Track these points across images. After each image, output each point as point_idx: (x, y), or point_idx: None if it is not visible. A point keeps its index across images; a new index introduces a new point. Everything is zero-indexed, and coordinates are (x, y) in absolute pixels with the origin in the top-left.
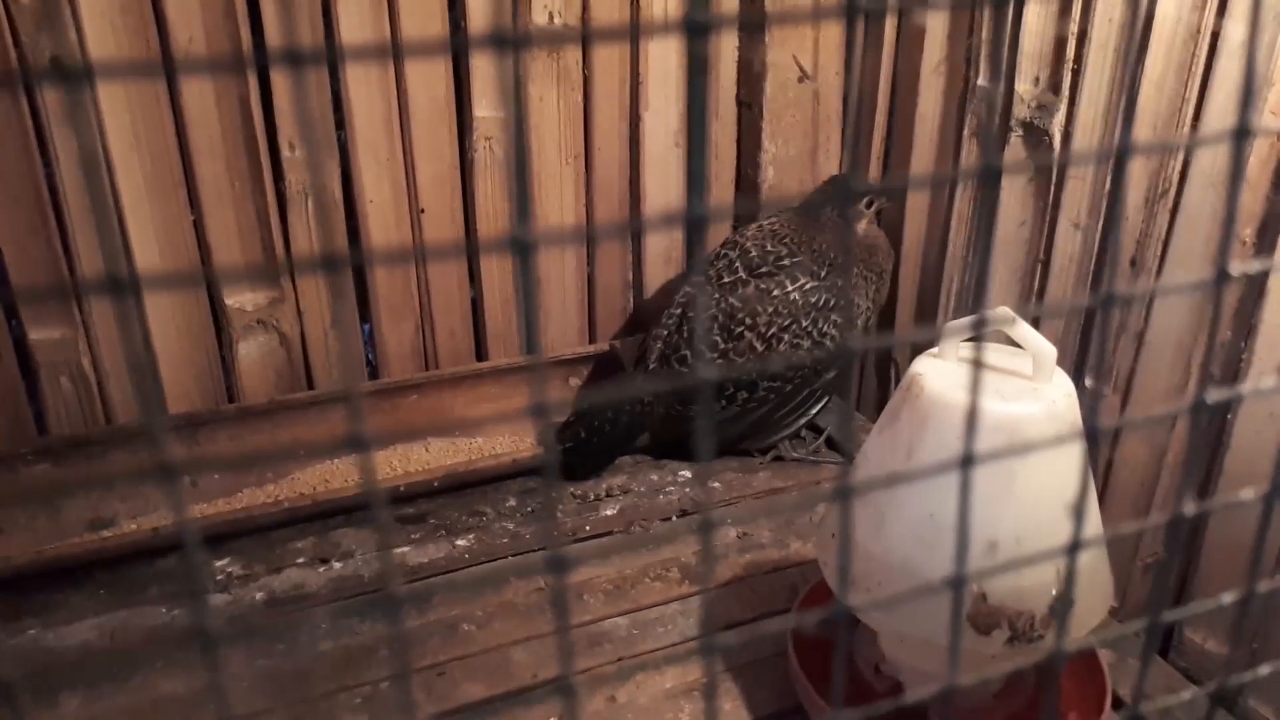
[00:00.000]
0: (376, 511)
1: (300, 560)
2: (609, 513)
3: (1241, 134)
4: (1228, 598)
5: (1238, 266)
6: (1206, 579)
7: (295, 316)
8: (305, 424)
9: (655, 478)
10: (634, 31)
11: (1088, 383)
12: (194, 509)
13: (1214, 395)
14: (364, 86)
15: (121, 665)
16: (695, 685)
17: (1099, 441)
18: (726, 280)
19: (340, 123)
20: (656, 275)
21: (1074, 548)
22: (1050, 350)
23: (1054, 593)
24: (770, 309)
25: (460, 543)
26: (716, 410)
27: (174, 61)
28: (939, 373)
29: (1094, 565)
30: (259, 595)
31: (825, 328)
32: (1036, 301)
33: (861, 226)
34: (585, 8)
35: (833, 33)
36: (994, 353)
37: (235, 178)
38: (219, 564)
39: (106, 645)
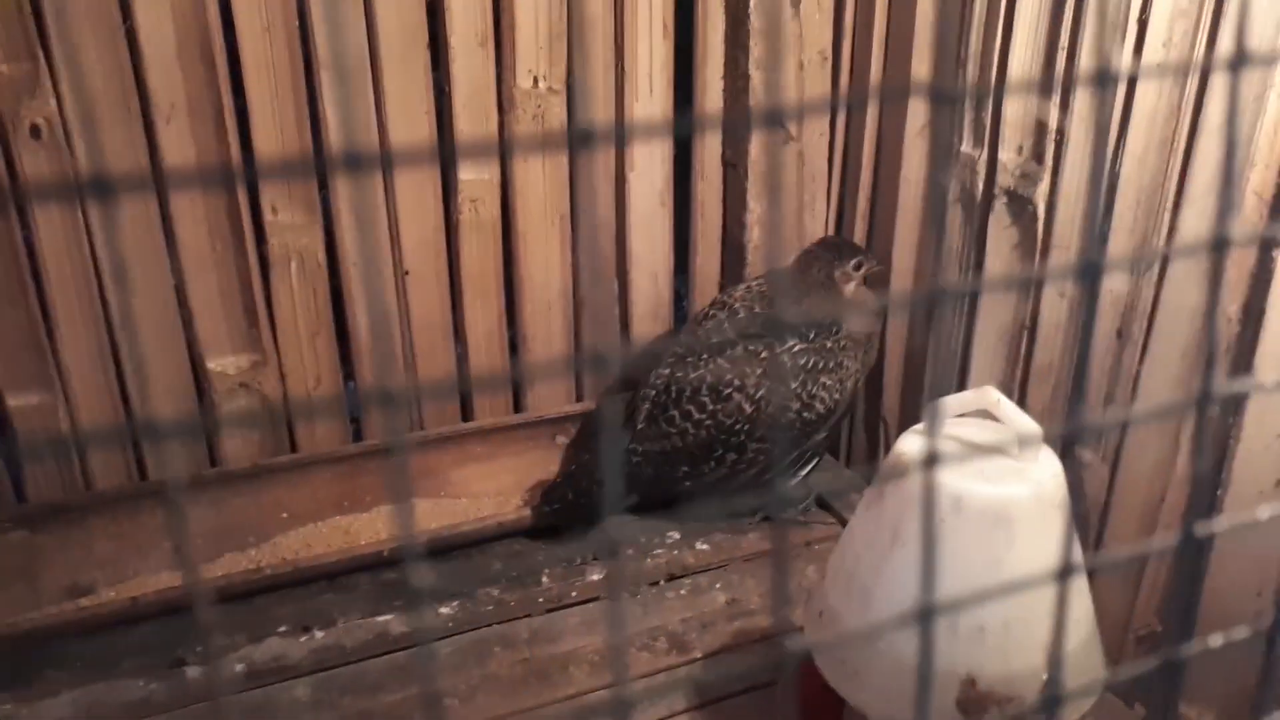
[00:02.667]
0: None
1: (282, 629)
2: (595, 577)
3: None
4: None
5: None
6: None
7: (278, 379)
8: (288, 486)
9: (643, 540)
10: (619, 93)
11: (1078, 453)
12: (177, 575)
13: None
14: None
15: None
16: None
17: (1087, 517)
18: (715, 340)
19: (323, 183)
20: (644, 332)
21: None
22: (1035, 430)
23: (1044, 677)
24: (759, 370)
25: (444, 610)
26: (705, 472)
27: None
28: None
29: (1085, 648)
30: (239, 667)
31: (814, 389)
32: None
33: (849, 289)
34: (569, 71)
35: (816, 93)
36: (980, 429)
37: (217, 240)
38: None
39: None
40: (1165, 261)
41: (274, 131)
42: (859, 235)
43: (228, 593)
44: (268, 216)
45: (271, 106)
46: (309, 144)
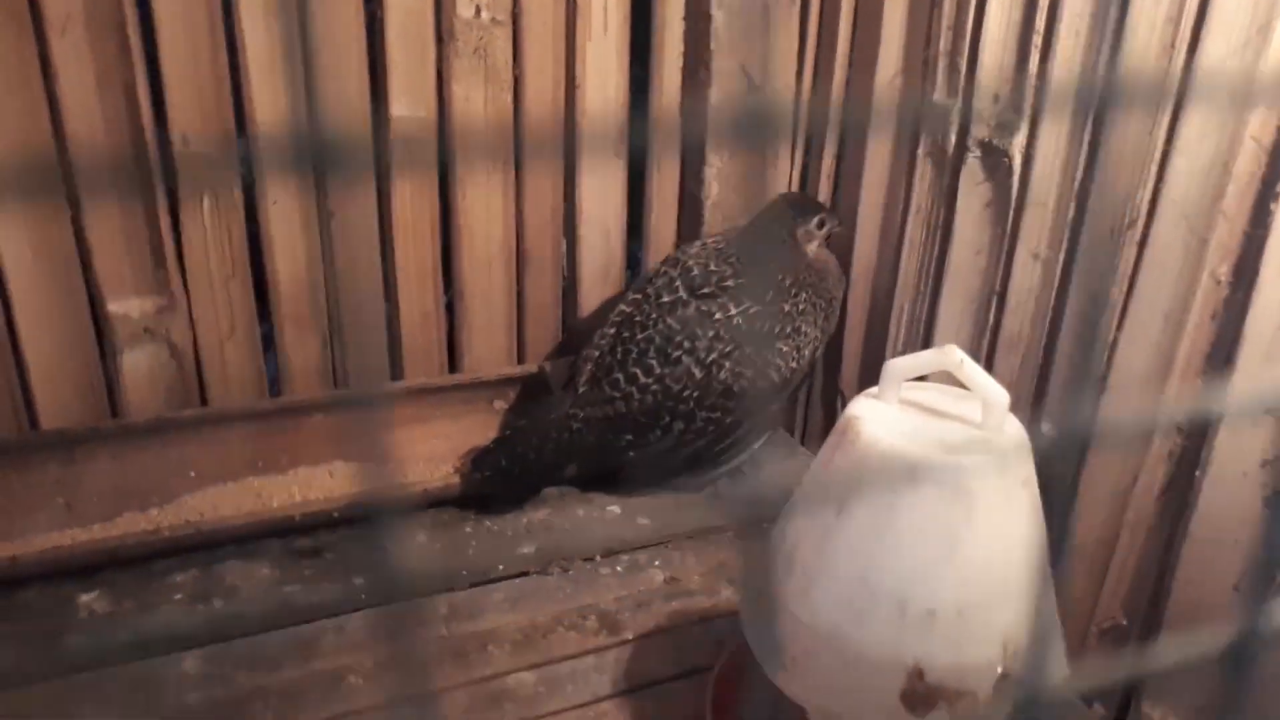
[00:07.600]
0: None
1: (178, 596)
2: (526, 550)
3: None
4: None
5: None
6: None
7: (188, 325)
8: (197, 443)
9: (581, 513)
10: (570, 30)
11: (1044, 429)
12: (68, 534)
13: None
14: (268, 78)
15: None
16: None
17: (1060, 497)
18: (665, 300)
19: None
20: (593, 292)
21: None
22: (1002, 395)
23: (1000, 671)
24: (711, 333)
25: (358, 581)
26: (650, 441)
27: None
28: (877, 416)
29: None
30: (125, 636)
31: (770, 356)
32: (990, 336)
33: (811, 249)
34: (516, 1)
35: (784, 41)
36: (941, 395)
37: (120, 171)
38: (84, 599)
39: None
40: (1149, 222)
41: (184, 47)
42: (823, 193)
43: (120, 555)
44: (178, 148)
45: (182, 19)
46: (224, 63)
